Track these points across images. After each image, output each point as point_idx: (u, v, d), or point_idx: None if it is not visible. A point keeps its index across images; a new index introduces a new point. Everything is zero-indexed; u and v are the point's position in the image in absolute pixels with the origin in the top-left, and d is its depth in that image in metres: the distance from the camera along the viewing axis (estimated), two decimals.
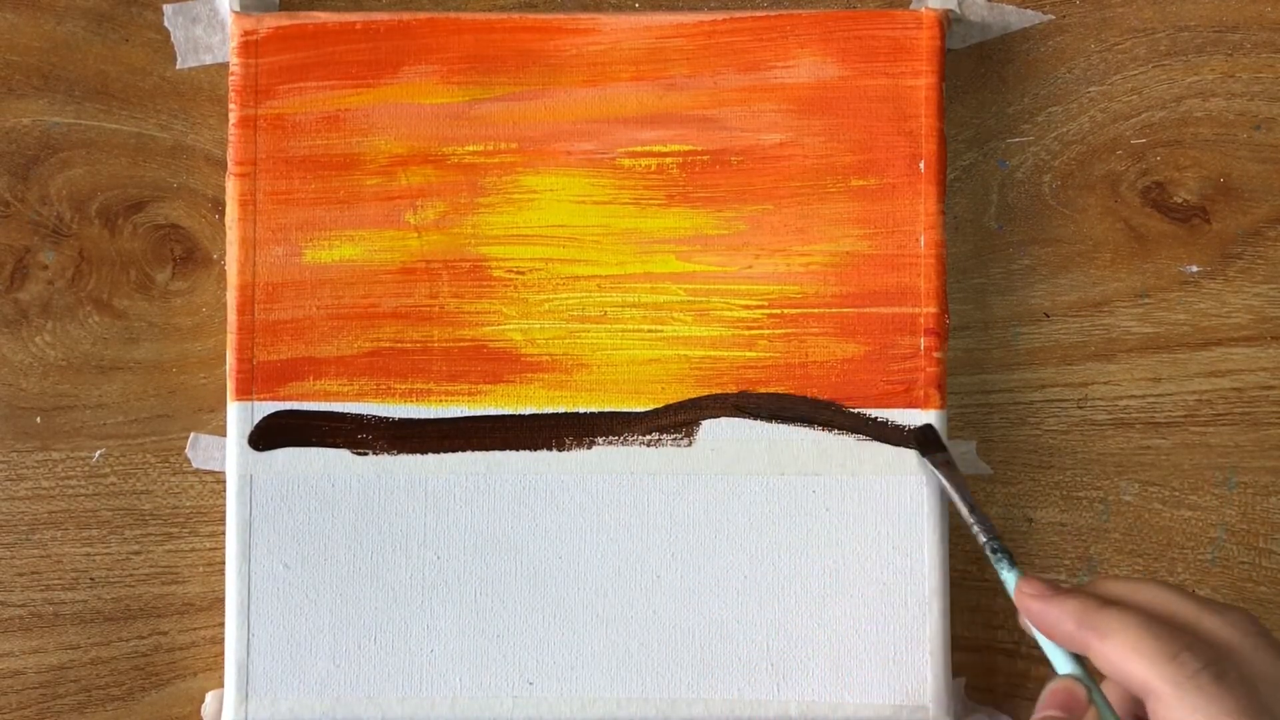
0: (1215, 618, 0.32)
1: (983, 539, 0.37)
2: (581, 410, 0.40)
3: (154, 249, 0.42)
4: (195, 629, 0.41)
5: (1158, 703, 0.30)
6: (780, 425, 0.40)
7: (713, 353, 0.40)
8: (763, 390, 0.40)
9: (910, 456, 0.40)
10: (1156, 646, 0.30)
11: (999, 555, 0.36)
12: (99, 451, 0.41)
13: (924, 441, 0.39)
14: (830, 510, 0.40)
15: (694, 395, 0.40)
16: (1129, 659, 0.30)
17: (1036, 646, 0.41)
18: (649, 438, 0.40)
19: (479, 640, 0.39)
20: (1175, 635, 0.30)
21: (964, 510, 0.37)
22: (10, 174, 0.42)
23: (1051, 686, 0.33)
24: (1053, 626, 0.33)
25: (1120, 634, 0.31)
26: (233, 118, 0.40)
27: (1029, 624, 0.35)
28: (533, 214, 0.40)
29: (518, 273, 0.40)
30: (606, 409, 0.40)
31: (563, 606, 0.40)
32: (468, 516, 0.40)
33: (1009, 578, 0.35)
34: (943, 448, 0.39)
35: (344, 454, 0.40)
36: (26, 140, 0.42)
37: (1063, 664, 0.34)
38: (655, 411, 0.40)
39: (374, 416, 0.40)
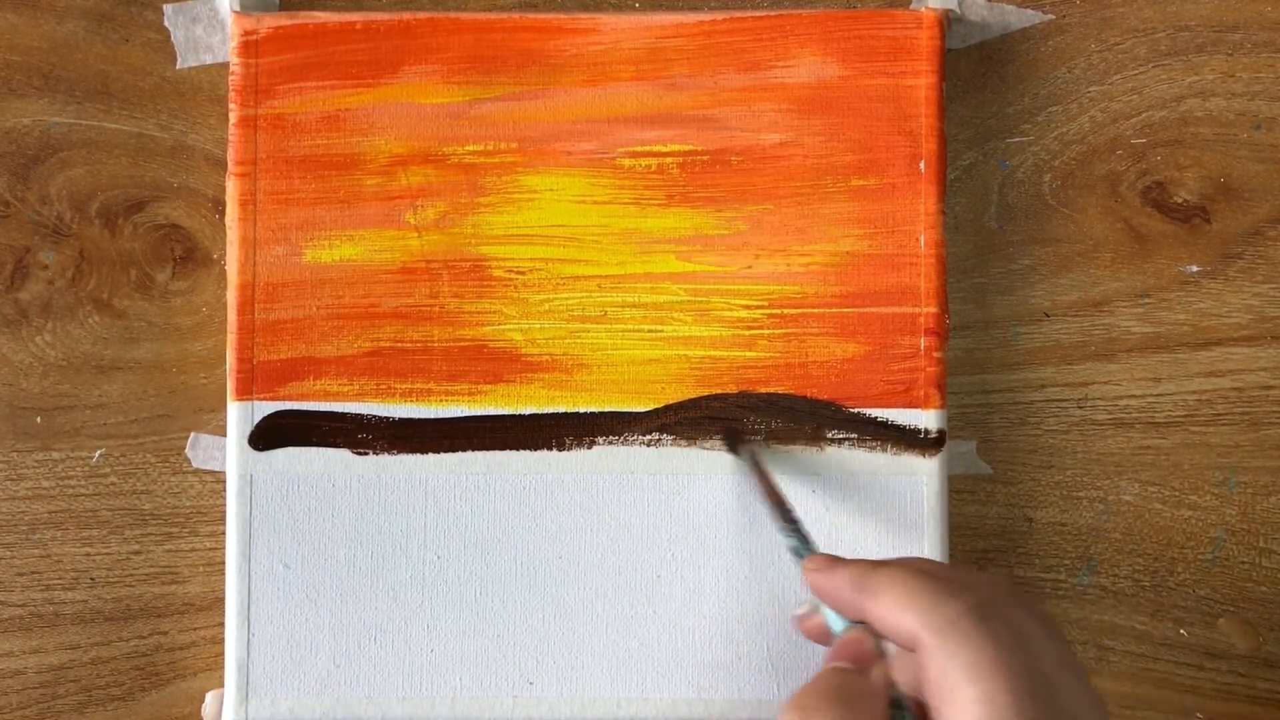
0: (975, 574, 0.32)
1: (778, 524, 0.36)
2: (581, 410, 0.40)
3: (154, 249, 0.42)
4: (195, 629, 0.41)
5: (923, 650, 0.29)
6: (779, 429, 0.40)
7: (713, 353, 0.40)
8: (763, 390, 0.40)
9: (910, 457, 0.40)
10: (920, 598, 0.30)
11: (792, 537, 0.36)
12: (99, 451, 0.41)
13: (733, 439, 0.39)
14: (830, 510, 0.40)
15: (694, 395, 0.40)
16: (896, 613, 0.30)
17: None
18: (649, 438, 0.40)
19: (479, 640, 0.39)
20: (938, 584, 0.30)
21: (765, 499, 0.37)
22: (10, 174, 0.42)
23: (839, 639, 0.32)
24: (833, 595, 0.32)
25: (888, 590, 0.30)
26: (233, 118, 0.40)
27: (803, 614, 0.34)
28: (533, 214, 0.40)
29: (518, 273, 0.40)
30: (606, 409, 0.40)
31: (563, 606, 0.40)
32: (468, 516, 0.40)
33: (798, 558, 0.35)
34: (746, 441, 0.39)
35: (344, 454, 0.40)
36: (26, 140, 0.42)
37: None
38: (655, 411, 0.40)
39: (374, 416, 0.40)
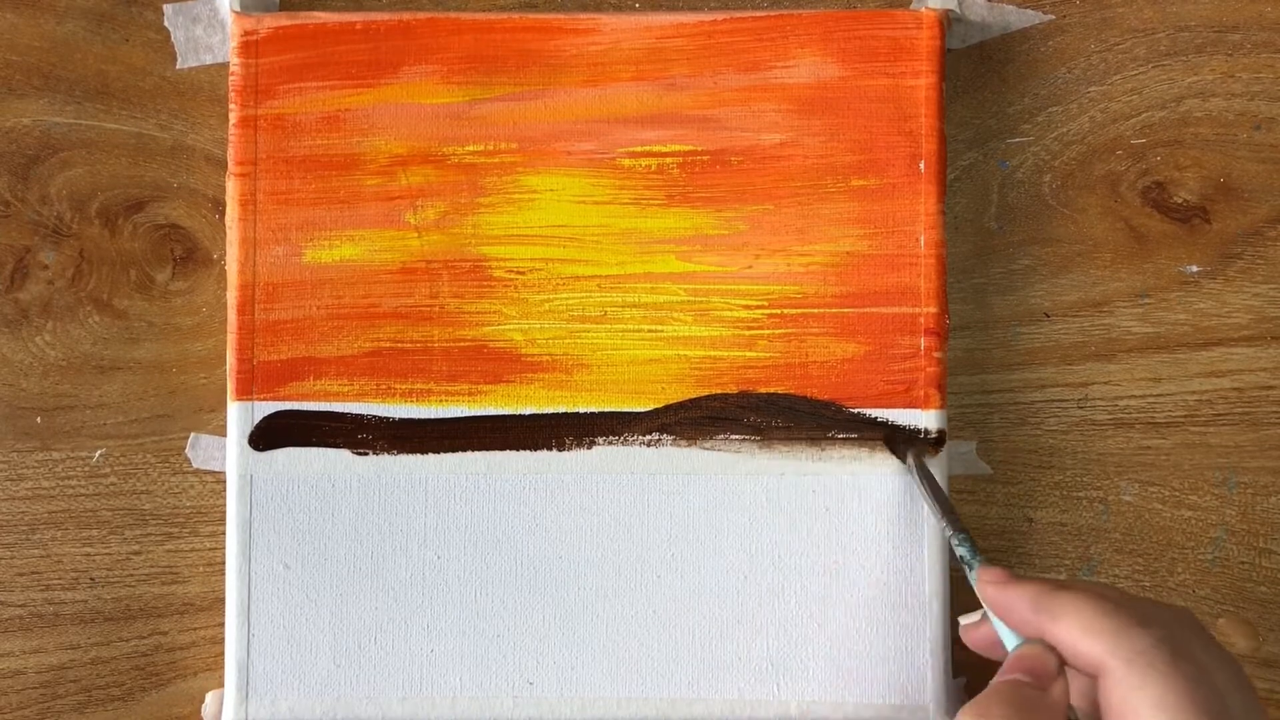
0: (1161, 605, 0.32)
1: (949, 531, 0.37)
2: (582, 410, 0.40)
3: (154, 249, 0.42)
4: (195, 629, 0.41)
5: (1108, 678, 0.30)
6: (779, 428, 0.40)
7: (713, 353, 0.40)
8: (763, 390, 0.40)
9: (910, 458, 0.40)
10: (1108, 624, 0.30)
11: (963, 546, 0.36)
12: (99, 451, 0.41)
13: (905, 441, 0.40)
14: (830, 510, 0.40)
15: (694, 395, 0.40)
16: (1081, 638, 0.30)
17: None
18: (649, 438, 0.40)
19: (479, 640, 0.39)
20: (1127, 613, 0.30)
21: (933, 505, 0.38)
22: (10, 174, 0.42)
23: (1019, 651, 0.32)
24: (1009, 612, 0.33)
25: (1073, 614, 0.31)
26: (233, 118, 0.40)
27: (971, 625, 0.34)
28: (533, 214, 0.40)
29: (518, 273, 0.40)
30: (606, 409, 0.40)
31: (563, 606, 0.40)
32: (468, 516, 0.40)
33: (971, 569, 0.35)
34: (910, 444, 0.39)
35: (344, 454, 0.40)
36: (26, 140, 0.42)
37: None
38: (655, 411, 0.40)
39: (374, 416, 0.40)
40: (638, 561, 0.40)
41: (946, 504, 0.38)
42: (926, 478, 0.38)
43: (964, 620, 0.36)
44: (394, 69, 0.40)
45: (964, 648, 0.41)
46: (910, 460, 0.39)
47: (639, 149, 0.40)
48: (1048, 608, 0.31)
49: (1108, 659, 0.30)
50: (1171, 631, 0.30)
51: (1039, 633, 0.32)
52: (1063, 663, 0.31)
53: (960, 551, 0.36)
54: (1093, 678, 0.31)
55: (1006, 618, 0.33)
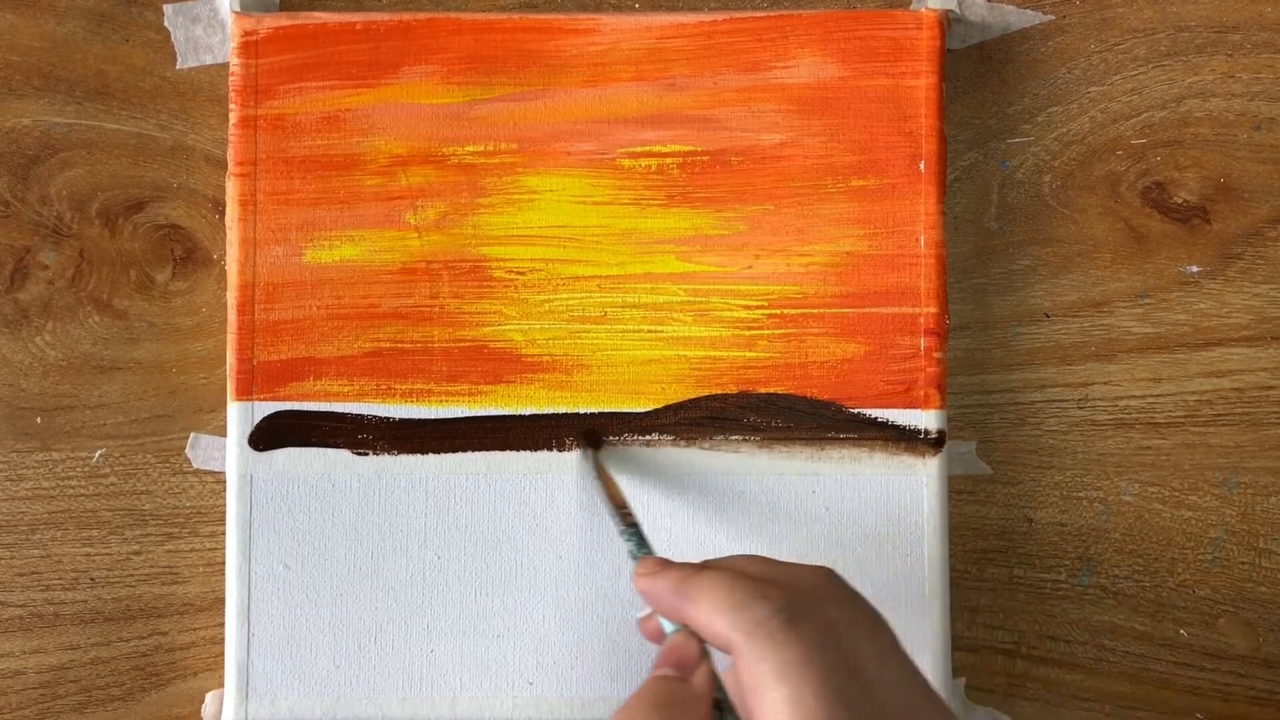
0: (797, 570, 0.32)
1: (619, 527, 0.36)
2: (582, 410, 0.40)
3: (154, 249, 0.42)
4: (195, 629, 0.41)
5: (735, 654, 0.29)
6: (779, 428, 0.40)
7: (713, 353, 0.40)
8: (763, 390, 0.40)
9: (910, 457, 0.40)
10: (731, 600, 0.30)
11: (630, 540, 0.35)
12: (99, 451, 0.41)
13: (584, 435, 0.40)
14: (830, 510, 0.40)
15: (694, 395, 0.40)
16: (711, 618, 0.30)
17: (1035, 646, 0.42)
18: (649, 438, 0.40)
19: (479, 640, 0.39)
20: (750, 587, 0.30)
21: (606, 500, 0.37)
22: (10, 174, 0.42)
23: (667, 642, 0.32)
24: (658, 601, 0.32)
25: (705, 595, 0.30)
26: (233, 118, 0.40)
27: (643, 618, 0.34)
28: (533, 214, 0.40)
29: (518, 273, 0.40)
30: (606, 409, 0.40)
31: (563, 606, 0.40)
32: (468, 516, 0.40)
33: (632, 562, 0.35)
34: (599, 445, 0.40)
35: (344, 454, 0.40)
36: (26, 140, 0.42)
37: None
38: (655, 412, 0.40)
39: (374, 416, 0.40)
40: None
41: (619, 499, 0.37)
42: (601, 472, 0.38)
43: (637, 615, 0.35)
44: (394, 69, 0.40)
45: (963, 648, 0.41)
46: (587, 455, 0.39)
47: (639, 149, 0.40)
48: (685, 592, 0.31)
49: (732, 635, 0.29)
50: (794, 598, 0.30)
51: (682, 618, 0.31)
52: (704, 648, 0.31)
53: (629, 546, 0.35)
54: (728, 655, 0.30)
55: (658, 607, 0.33)
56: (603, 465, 0.39)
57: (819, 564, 0.33)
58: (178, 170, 0.42)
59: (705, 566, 0.32)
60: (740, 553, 0.34)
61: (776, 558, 0.33)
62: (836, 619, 0.30)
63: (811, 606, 0.30)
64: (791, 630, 0.29)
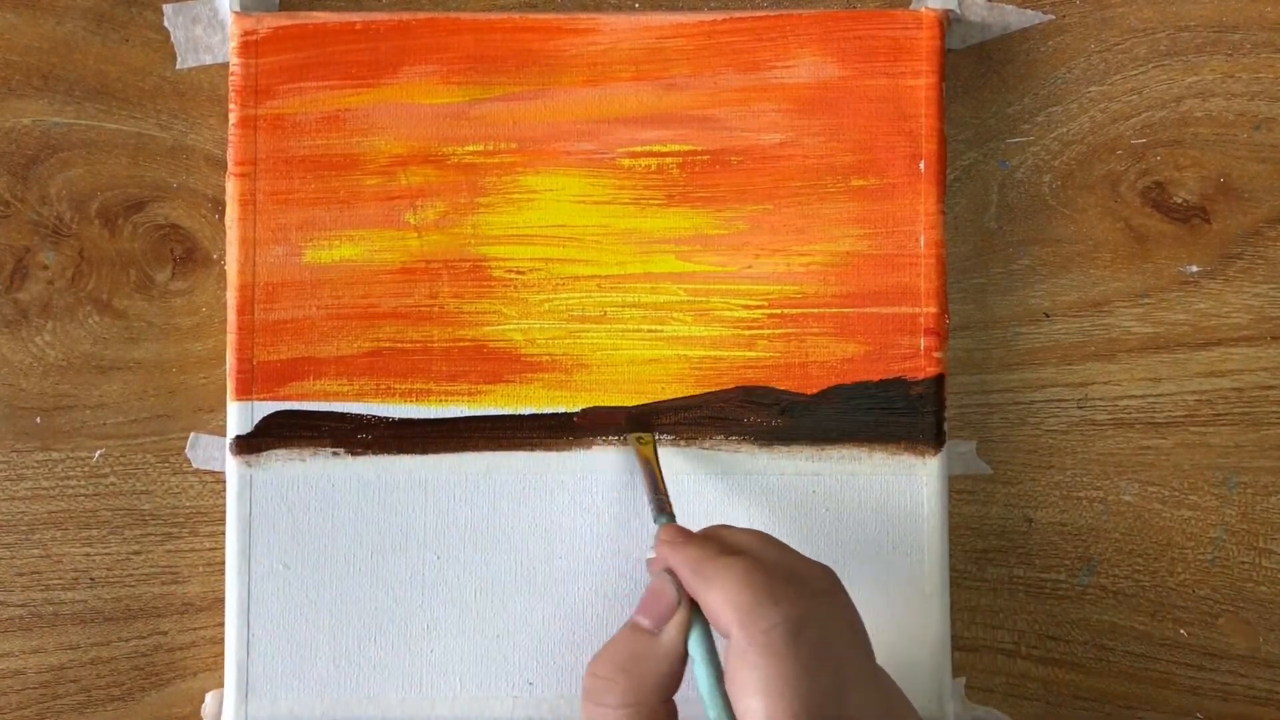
0: (809, 568, 0.32)
1: (652, 509, 0.37)
2: (581, 410, 0.40)
3: (154, 249, 0.42)
4: (195, 629, 0.41)
5: (733, 650, 0.30)
6: (779, 428, 0.40)
7: (713, 353, 0.40)
8: (763, 390, 0.40)
9: (910, 457, 0.40)
10: (743, 598, 0.30)
11: (664, 517, 0.36)
12: (99, 451, 0.41)
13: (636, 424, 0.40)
14: (830, 510, 0.40)
15: (694, 395, 0.40)
16: (722, 609, 0.30)
17: (1035, 646, 0.42)
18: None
19: (479, 640, 0.39)
20: (764, 587, 0.30)
21: (646, 484, 0.38)
22: (10, 174, 0.42)
23: (648, 586, 0.33)
24: (677, 572, 0.33)
25: (720, 583, 0.31)
26: (233, 118, 0.40)
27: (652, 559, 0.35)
28: (533, 214, 0.40)
29: (518, 273, 0.40)
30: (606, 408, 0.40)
31: (563, 606, 0.40)
32: (467, 516, 0.40)
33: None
34: (648, 428, 0.40)
35: (344, 454, 0.40)
36: (26, 140, 0.42)
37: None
38: (655, 405, 0.40)
39: (374, 416, 0.40)
40: (637, 562, 0.40)
41: (663, 486, 0.38)
42: (654, 459, 0.38)
43: (647, 555, 0.36)
44: (394, 69, 0.40)
45: (963, 648, 0.41)
46: (634, 442, 0.39)
47: (639, 149, 0.40)
48: (702, 572, 0.32)
49: (736, 632, 0.30)
50: (803, 608, 0.30)
51: (694, 596, 0.32)
52: (687, 599, 0.32)
53: (661, 520, 0.36)
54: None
55: (675, 574, 0.33)
56: (656, 452, 0.39)
57: (823, 562, 0.33)
58: (178, 170, 0.42)
59: (724, 550, 0.32)
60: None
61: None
62: (833, 632, 0.31)
63: (815, 619, 0.30)
64: (791, 646, 0.29)
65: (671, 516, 0.36)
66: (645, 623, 0.32)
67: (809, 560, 0.33)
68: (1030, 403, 0.42)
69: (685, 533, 0.34)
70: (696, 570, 0.32)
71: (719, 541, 0.33)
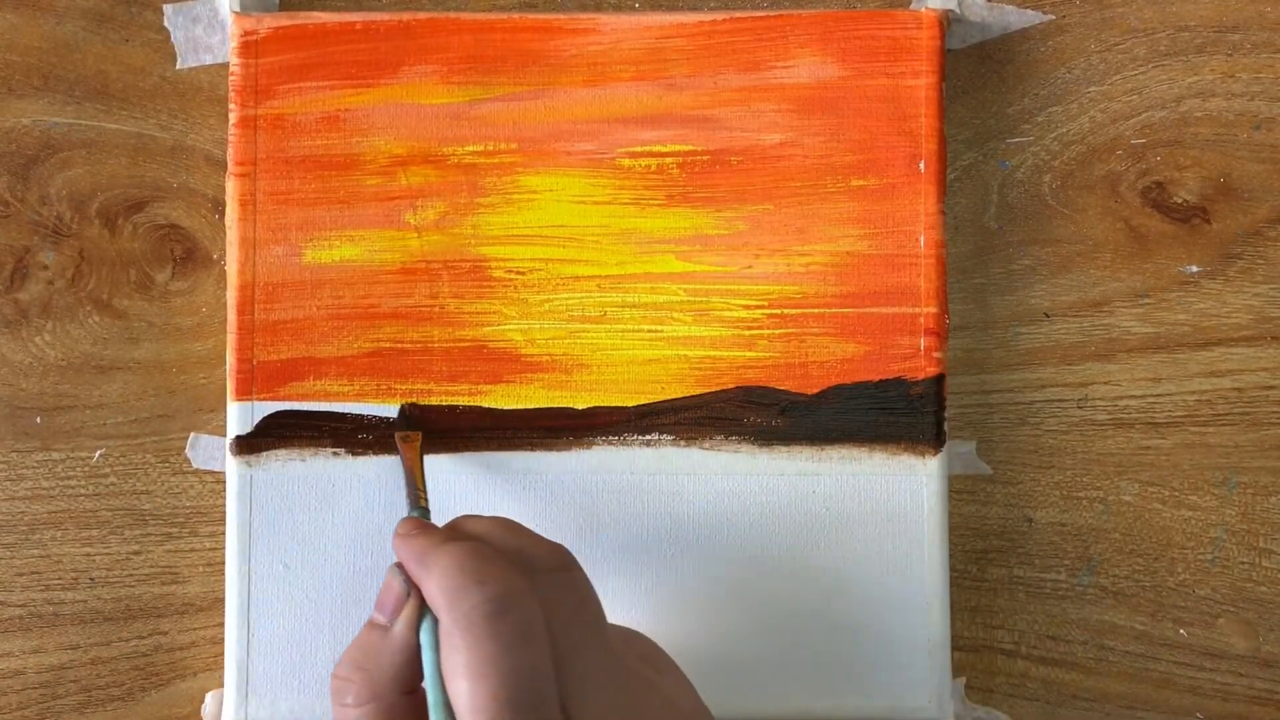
0: (536, 547, 0.32)
1: (408, 505, 0.36)
2: (581, 410, 0.40)
3: (154, 249, 0.42)
4: (195, 629, 0.41)
5: (442, 634, 0.30)
6: (778, 428, 0.40)
7: (713, 353, 0.40)
8: (763, 390, 0.40)
9: (910, 457, 0.40)
10: (451, 581, 0.30)
11: (413, 511, 0.36)
12: (99, 451, 0.41)
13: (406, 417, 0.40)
14: (830, 510, 0.40)
15: (694, 395, 0.40)
16: (434, 595, 0.30)
17: (1035, 646, 0.42)
18: (648, 438, 0.40)
19: None
20: (473, 570, 0.30)
21: (405, 480, 0.37)
22: (10, 174, 0.42)
23: (383, 583, 0.32)
24: (404, 563, 0.32)
25: (439, 570, 0.30)
26: (233, 118, 0.40)
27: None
28: (533, 214, 0.40)
29: (518, 273, 0.40)
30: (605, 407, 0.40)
31: None
32: None
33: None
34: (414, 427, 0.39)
35: (344, 454, 0.40)
36: (26, 140, 0.42)
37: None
38: (654, 405, 0.40)
39: (374, 416, 0.40)
40: (636, 563, 0.40)
41: (422, 481, 0.37)
42: (419, 459, 0.38)
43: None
44: (394, 69, 0.40)
45: (963, 648, 0.41)
46: (400, 438, 0.39)
47: (639, 149, 0.40)
48: (424, 562, 0.31)
49: (443, 615, 0.30)
50: (507, 587, 0.30)
51: (420, 587, 0.31)
52: (415, 590, 0.31)
53: (414, 514, 0.35)
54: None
55: (406, 568, 0.32)
56: (421, 452, 0.38)
57: (558, 542, 0.33)
58: (178, 170, 0.42)
59: (452, 537, 0.32)
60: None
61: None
62: (553, 607, 0.30)
63: (524, 597, 0.30)
64: (491, 625, 0.29)
65: (425, 512, 0.35)
66: (380, 618, 0.32)
67: (542, 540, 0.33)
68: (1030, 403, 0.42)
69: (420, 524, 0.33)
70: (420, 560, 0.31)
71: (451, 530, 0.33)
